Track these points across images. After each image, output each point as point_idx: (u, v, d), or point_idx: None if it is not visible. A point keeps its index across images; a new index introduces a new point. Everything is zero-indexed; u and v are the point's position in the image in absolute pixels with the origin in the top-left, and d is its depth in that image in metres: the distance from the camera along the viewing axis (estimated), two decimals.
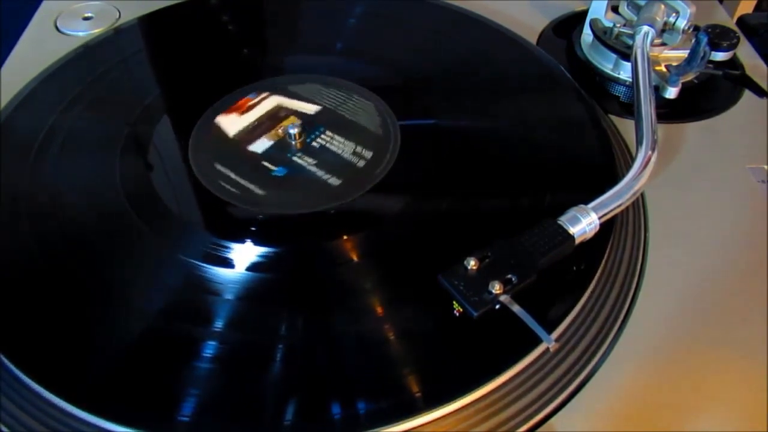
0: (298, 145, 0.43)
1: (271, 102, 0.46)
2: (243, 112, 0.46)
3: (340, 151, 0.42)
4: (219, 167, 0.42)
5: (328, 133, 0.44)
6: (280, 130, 0.44)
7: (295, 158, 0.42)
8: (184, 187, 0.41)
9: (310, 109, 0.46)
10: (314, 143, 0.43)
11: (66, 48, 0.52)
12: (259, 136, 0.44)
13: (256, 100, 0.47)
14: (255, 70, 0.50)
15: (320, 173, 0.41)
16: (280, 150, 0.43)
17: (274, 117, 0.45)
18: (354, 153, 0.42)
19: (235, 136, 0.44)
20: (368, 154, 0.42)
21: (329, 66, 0.49)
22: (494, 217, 0.39)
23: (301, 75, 0.49)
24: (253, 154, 0.43)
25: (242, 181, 0.41)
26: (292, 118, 0.45)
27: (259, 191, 0.40)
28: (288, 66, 0.51)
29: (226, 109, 0.46)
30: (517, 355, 0.32)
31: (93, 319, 0.34)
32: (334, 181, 0.41)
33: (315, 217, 0.39)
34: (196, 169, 0.42)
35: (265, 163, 0.42)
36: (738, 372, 0.33)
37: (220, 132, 0.44)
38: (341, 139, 0.43)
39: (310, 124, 0.44)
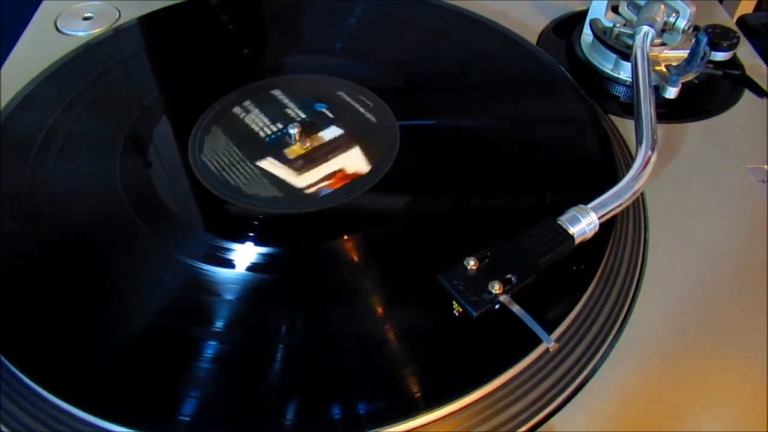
0: (299, 144, 0.43)
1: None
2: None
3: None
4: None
5: (328, 132, 0.44)
6: (282, 131, 0.44)
7: (296, 158, 0.42)
8: (184, 187, 0.41)
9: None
10: (315, 142, 0.43)
11: (66, 48, 0.52)
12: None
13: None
14: (255, 70, 0.50)
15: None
16: (276, 148, 0.43)
17: (273, 119, 0.45)
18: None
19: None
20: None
21: (329, 66, 0.49)
22: (494, 217, 0.39)
23: (300, 75, 0.49)
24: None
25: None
26: (291, 119, 0.45)
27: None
28: (288, 66, 0.51)
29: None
30: (517, 355, 0.32)
31: (93, 319, 0.34)
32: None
33: (315, 216, 0.39)
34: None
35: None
36: (738, 372, 0.33)
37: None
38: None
39: (312, 126, 0.44)
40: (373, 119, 0.45)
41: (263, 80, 0.48)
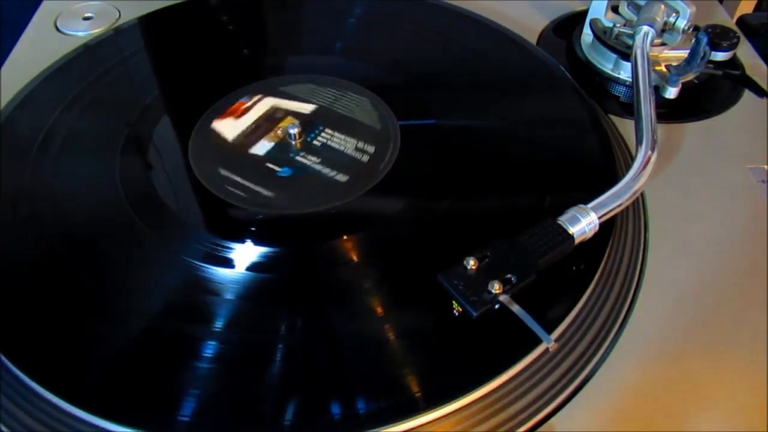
0: (299, 145, 0.43)
1: (265, 104, 0.46)
2: (239, 116, 0.46)
3: (342, 148, 0.42)
4: (223, 171, 0.42)
5: (328, 131, 0.44)
6: (279, 131, 0.44)
7: (298, 158, 0.42)
8: (184, 187, 0.41)
9: (306, 108, 0.46)
10: (315, 142, 0.43)
11: (66, 48, 0.52)
12: (258, 139, 0.44)
13: (249, 103, 0.46)
14: (255, 71, 0.50)
15: (326, 171, 0.41)
16: (281, 151, 0.43)
17: (271, 119, 0.45)
18: (356, 149, 0.42)
19: (234, 140, 0.44)
20: (371, 149, 0.42)
21: (329, 66, 0.49)
22: (494, 217, 0.39)
23: (292, 75, 0.49)
24: (256, 156, 0.43)
25: (248, 184, 0.41)
26: (289, 119, 0.45)
27: (267, 193, 0.40)
28: (288, 66, 0.51)
29: (222, 113, 0.46)
30: (516, 355, 0.32)
31: (93, 319, 0.34)
32: (342, 177, 0.41)
33: (315, 216, 0.39)
34: (196, 169, 0.42)
35: (269, 165, 0.42)
36: (738, 372, 0.33)
37: (218, 136, 0.44)
38: (342, 136, 0.43)
39: (308, 124, 0.44)
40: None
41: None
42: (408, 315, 0.34)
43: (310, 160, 0.42)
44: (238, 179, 0.41)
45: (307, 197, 0.40)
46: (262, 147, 0.43)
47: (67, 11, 0.57)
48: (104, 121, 0.45)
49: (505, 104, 0.46)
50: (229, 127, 0.45)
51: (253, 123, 0.45)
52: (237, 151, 0.43)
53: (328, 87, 0.47)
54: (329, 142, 0.43)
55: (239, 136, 0.44)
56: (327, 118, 0.45)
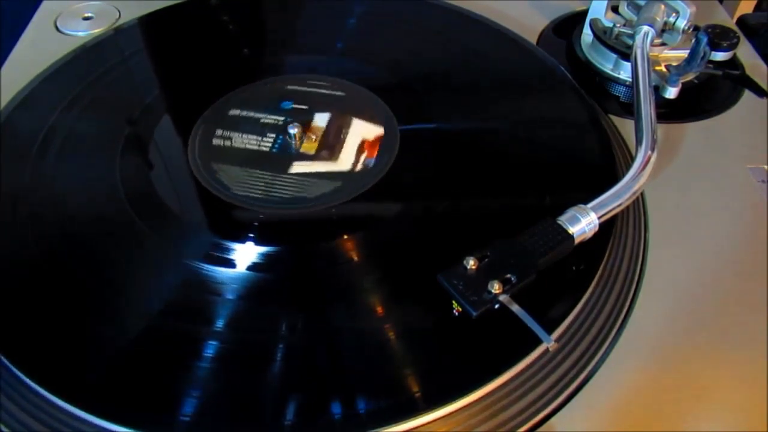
0: (299, 145, 0.43)
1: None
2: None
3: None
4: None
5: (328, 132, 0.44)
6: (280, 130, 0.44)
7: (296, 158, 0.42)
8: (185, 187, 0.41)
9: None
10: (314, 143, 0.43)
11: (66, 48, 0.52)
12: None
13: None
14: (255, 70, 0.50)
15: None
16: (281, 151, 0.43)
17: (274, 117, 0.45)
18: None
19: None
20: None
21: (329, 66, 0.49)
22: (494, 217, 0.39)
23: (302, 75, 0.49)
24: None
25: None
26: (292, 118, 0.45)
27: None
28: (288, 66, 0.51)
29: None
30: (517, 355, 0.32)
31: (93, 319, 0.34)
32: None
33: (315, 216, 0.39)
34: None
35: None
36: (738, 372, 0.33)
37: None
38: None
39: (309, 124, 0.44)
40: (373, 119, 0.45)
41: (264, 79, 0.48)
42: (408, 315, 0.34)
43: (307, 161, 0.42)
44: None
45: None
46: (261, 146, 0.43)
47: (67, 11, 0.57)
48: (104, 121, 0.45)
49: (505, 104, 0.46)
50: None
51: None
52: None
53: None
54: (328, 144, 0.43)
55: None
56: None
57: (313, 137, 0.43)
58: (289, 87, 0.47)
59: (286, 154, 0.43)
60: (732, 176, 0.43)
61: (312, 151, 0.43)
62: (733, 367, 0.33)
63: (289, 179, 0.41)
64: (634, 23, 0.47)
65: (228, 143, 0.43)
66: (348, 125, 0.44)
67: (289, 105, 0.45)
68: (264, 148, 0.43)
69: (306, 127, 0.44)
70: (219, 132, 0.44)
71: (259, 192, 0.40)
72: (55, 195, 0.41)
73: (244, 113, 0.45)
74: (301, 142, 0.43)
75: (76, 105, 0.46)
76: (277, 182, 0.41)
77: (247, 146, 0.43)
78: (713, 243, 0.39)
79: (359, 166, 0.41)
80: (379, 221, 0.39)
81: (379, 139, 0.41)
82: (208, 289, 0.35)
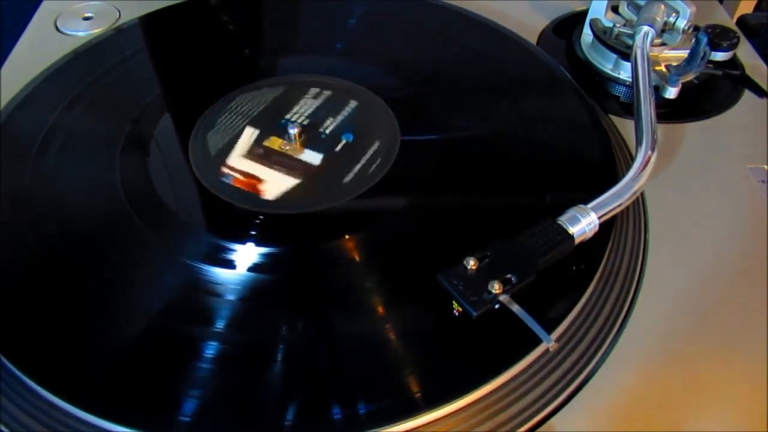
0: (298, 145, 0.43)
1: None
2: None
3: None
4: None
5: (328, 134, 0.44)
6: (280, 130, 0.44)
7: (294, 158, 0.42)
8: (184, 187, 0.41)
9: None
10: (313, 144, 0.43)
11: (66, 48, 0.52)
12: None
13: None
14: (255, 71, 0.50)
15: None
16: (279, 150, 0.43)
17: (276, 116, 0.45)
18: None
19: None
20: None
21: (329, 66, 0.49)
22: (494, 217, 0.39)
23: (303, 75, 0.49)
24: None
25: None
26: (294, 118, 0.45)
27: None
28: (288, 66, 0.51)
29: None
30: (517, 355, 0.32)
31: (93, 319, 0.34)
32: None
33: (315, 216, 0.39)
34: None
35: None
36: (738, 372, 0.33)
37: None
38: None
39: (310, 125, 0.44)
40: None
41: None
42: (408, 315, 0.34)
43: (305, 162, 0.42)
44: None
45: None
46: (260, 144, 0.43)
47: (67, 11, 0.57)
48: (104, 121, 0.45)
49: (505, 104, 0.46)
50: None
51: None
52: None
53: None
54: (327, 146, 0.43)
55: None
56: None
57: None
58: (290, 92, 0.47)
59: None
60: (732, 176, 0.43)
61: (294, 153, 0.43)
62: (733, 367, 0.33)
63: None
64: (634, 23, 0.47)
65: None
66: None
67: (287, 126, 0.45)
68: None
69: (308, 131, 0.44)
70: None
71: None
72: (55, 195, 0.41)
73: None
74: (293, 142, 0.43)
75: (76, 105, 0.46)
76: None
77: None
78: (713, 243, 0.39)
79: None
80: (378, 221, 0.39)
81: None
82: (208, 289, 0.35)
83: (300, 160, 0.42)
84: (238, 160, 0.42)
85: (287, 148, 0.43)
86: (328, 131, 0.44)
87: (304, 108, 0.46)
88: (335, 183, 0.41)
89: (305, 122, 0.44)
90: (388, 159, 0.42)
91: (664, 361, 0.33)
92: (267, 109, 0.46)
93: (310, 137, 0.43)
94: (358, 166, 0.41)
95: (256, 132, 0.44)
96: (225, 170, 0.41)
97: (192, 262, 0.36)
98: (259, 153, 0.43)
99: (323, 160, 0.42)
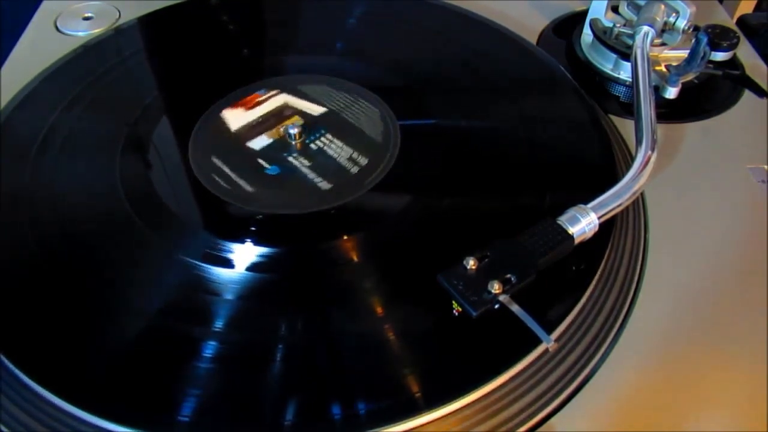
0: (298, 145, 0.43)
1: (278, 100, 0.46)
2: (249, 108, 0.46)
3: (336, 156, 0.42)
4: (215, 160, 0.42)
5: (328, 136, 0.44)
6: (281, 129, 0.44)
7: (290, 158, 0.42)
8: (184, 187, 0.41)
9: (315, 110, 0.46)
10: (312, 145, 0.43)
11: (66, 48, 0.52)
12: (259, 133, 0.44)
13: (264, 96, 0.47)
14: (255, 71, 0.50)
15: (312, 176, 0.41)
16: (277, 149, 0.43)
17: (279, 115, 0.45)
18: (350, 159, 0.42)
19: (237, 130, 0.44)
20: (364, 161, 0.42)
21: (329, 66, 0.49)
22: (494, 217, 0.39)
23: (311, 75, 0.49)
24: (251, 150, 0.43)
25: (234, 176, 0.41)
26: (296, 118, 0.45)
27: (248, 188, 0.40)
28: (288, 66, 0.51)
29: (234, 103, 0.46)
30: (516, 355, 0.32)
31: (93, 319, 0.34)
32: (325, 185, 0.40)
33: (315, 217, 0.39)
34: (196, 169, 0.42)
35: (260, 161, 0.42)
36: (738, 372, 0.33)
37: (223, 125, 0.45)
38: (340, 144, 0.43)
39: (311, 126, 0.44)
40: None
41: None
42: (408, 315, 0.34)
43: (301, 163, 0.42)
44: (226, 170, 0.41)
45: (285, 198, 0.40)
46: (259, 142, 0.43)
47: (67, 11, 0.57)
48: (104, 121, 0.45)
49: (505, 104, 0.46)
50: (236, 117, 0.45)
51: (260, 117, 0.45)
52: (235, 142, 0.43)
53: (342, 91, 0.47)
54: (326, 148, 0.43)
55: (243, 127, 0.44)
56: (331, 123, 0.45)
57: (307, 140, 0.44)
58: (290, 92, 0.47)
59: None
60: (732, 176, 0.43)
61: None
62: (733, 367, 0.33)
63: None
64: (634, 23, 0.47)
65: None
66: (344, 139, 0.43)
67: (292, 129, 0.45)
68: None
69: (309, 131, 0.44)
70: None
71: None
72: (55, 195, 0.41)
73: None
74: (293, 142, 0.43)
75: (76, 105, 0.46)
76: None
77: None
78: (713, 243, 0.39)
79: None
80: (378, 221, 0.39)
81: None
82: (208, 288, 0.35)
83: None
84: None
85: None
86: (327, 136, 0.44)
87: (313, 109, 0.46)
88: (349, 174, 0.41)
89: (309, 123, 0.44)
90: (381, 168, 0.42)
91: (664, 361, 0.33)
92: (278, 105, 0.46)
93: (309, 139, 0.43)
94: (357, 167, 0.41)
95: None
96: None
97: (192, 262, 0.36)
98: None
99: (312, 164, 0.42)
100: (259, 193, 0.40)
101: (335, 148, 0.43)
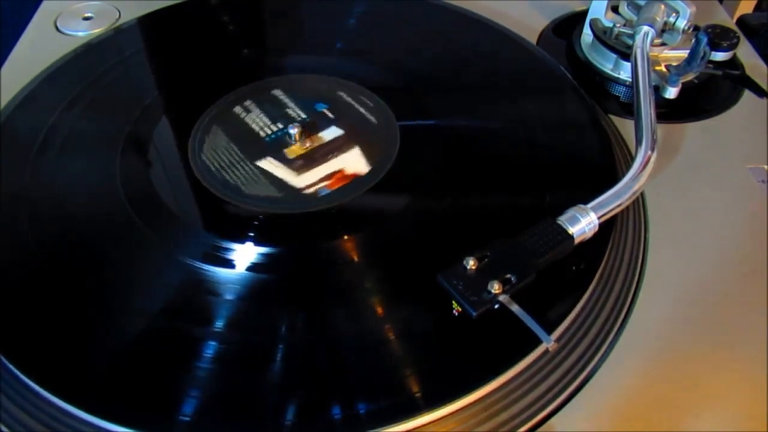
0: (299, 144, 0.43)
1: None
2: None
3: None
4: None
5: (328, 132, 0.44)
6: (282, 127, 0.44)
7: (296, 158, 0.42)
8: (184, 187, 0.41)
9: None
10: (315, 142, 0.43)
11: (66, 48, 0.52)
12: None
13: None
14: (255, 71, 0.50)
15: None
16: (276, 148, 0.43)
17: (282, 114, 0.45)
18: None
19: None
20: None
21: (329, 66, 0.49)
22: (494, 217, 0.39)
23: (301, 75, 0.49)
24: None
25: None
26: (293, 119, 0.45)
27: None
28: (288, 66, 0.51)
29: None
30: (517, 355, 0.32)
31: (93, 319, 0.34)
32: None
33: (315, 216, 0.39)
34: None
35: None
36: (738, 372, 0.33)
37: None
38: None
39: (312, 126, 0.44)
40: (374, 119, 0.45)
41: (264, 80, 0.48)
42: (408, 315, 0.34)
43: (296, 163, 0.42)
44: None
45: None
46: (261, 145, 0.44)
47: (67, 11, 0.57)
48: (104, 121, 0.45)
49: (505, 104, 0.46)
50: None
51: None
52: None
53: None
54: (323, 149, 0.43)
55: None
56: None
57: (308, 144, 0.43)
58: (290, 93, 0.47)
59: (271, 147, 0.43)
60: (732, 176, 0.43)
61: (292, 156, 0.42)
62: (733, 367, 0.33)
63: (247, 168, 0.42)
64: (634, 23, 0.47)
65: (243, 115, 0.45)
66: (343, 151, 0.43)
67: (322, 107, 0.45)
68: (262, 133, 0.44)
69: (309, 131, 0.44)
70: (247, 102, 0.46)
71: (215, 166, 0.41)
72: (55, 195, 0.41)
73: (282, 97, 0.46)
74: (293, 143, 0.43)
75: (76, 105, 0.46)
76: (238, 165, 0.42)
77: (252, 125, 0.44)
78: (713, 243, 0.39)
79: (310, 190, 0.40)
80: (378, 221, 0.39)
81: (353, 178, 0.41)
82: (208, 288, 0.35)
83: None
84: (304, 178, 0.41)
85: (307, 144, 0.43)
86: (327, 131, 0.44)
87: (304, 108, 0.46)
88: (276, 192, 0.40)
89: (305, 122, 0.44)
90: (386, 159, 0.42)
91: (664, 361, 0.33)
92: (268, 109, 0.46)
93: (310, 137, 0.44)
94: (308, 189, 0.41)
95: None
96: (309, 191, 0.40)
97: (192, 262, 0.36)
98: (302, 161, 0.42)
99: (291, 167, 0.42)
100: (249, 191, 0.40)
101: (333, 149, 0.43)
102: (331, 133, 0.44)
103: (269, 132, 0.44)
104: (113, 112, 0.46)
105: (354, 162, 0.42)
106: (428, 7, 0.55)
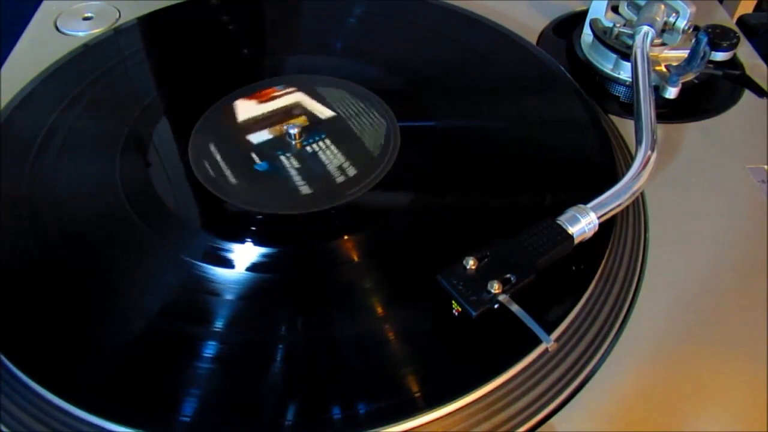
0: (297, 145, 0.43)
1: (292, 98, 0.47)
2: (263, 101, 0.46)
3: (327, 162, 0.42)
4: (212, 148, 0.42)
5: (327, 141, 0.44)
6: (283, 127, 0.44)
7: (282, 158, 0.42)
8: (184, 187, 0.41)
9: (324, 113, 0.46)
10: (308, 148, 0.43)
11: (66, 48, 0.52)
12: (262, 128, 0.44)
13: (281, 92, 0.47)
14: (255, 71, 0.50)
15: (297, 178, 0.41)
16: (274, 146, 0.43)
17: (287, 113, 0.45)
18: (339, 168, 0.42)
19: (242, 122, 0.44)
20: (352, 172, 0.41)
21: (329, 66, 0.49)
22: (494, 217, 0.39)
23: (330, 78, 0.48)
24: (248, 143, 0.43)
25: (222, 166, 0.41)
26: (302, 118, 0.45)
27: (232, 180, 0.41)
28: (288, 66, 0.51)
29: (250, 94, 0.47)
30: (516, 355, 0.32)
31: (93, 318, 0.34)
32: (306, 189, 0.40)
33: (315, 216, 0.39)
34: (196, 169, 0.42)
35: (253, 155, 0.42)
36: (738, 372, 0.33)
37: (231, 115, 0.45)
38: (335, 151, 0.43)
39: (313, 128, 0.44)
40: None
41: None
42: (408, 315, 0.34)
43: (291, 164, 0.42)
44: (218, 158, 0.42)
45: (264, 197, 0.40)
46: (259, 136, 0.44)
47: (67, 11, 0.57)
48: (104, 121, 0.45)
49: (505, 104, 0.46)
50: (246, 109, 0.45)
51: (269, 112, 0.45)
52: (237, 132, 0.44)
53: (357, 98, 0.47)
54: (320, 153, 0.43)
55: (249, 119, 0.45)
56: (334, 129, 0.44)
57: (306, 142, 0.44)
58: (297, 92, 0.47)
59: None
60: (732, 176, 0.43)
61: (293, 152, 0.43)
62: (733, 367, 0.33)
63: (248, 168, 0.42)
64: (634, 23, 0.47)
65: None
66: (345, 150, 0.43)
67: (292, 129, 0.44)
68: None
69: (309, 131, 0.44)
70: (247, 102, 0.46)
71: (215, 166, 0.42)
72: (55, 195, 0.41)
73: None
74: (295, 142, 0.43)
75: (76, 105, 0.46)
76: (238, 165, 0.42)
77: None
78: (713, 243, 0.39)
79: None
80: (378, 221, 0.39)
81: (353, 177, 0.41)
82: (208, 288, 0.35)
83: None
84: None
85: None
86: (326, 139, 0.44)
87: (322, 111, 0.46)
88: (333, 183, 0.41)
89: (311, 124, 0.44)
90: (386, 159, 0.42)
91: (664, 361, 0.33)
92: (290, 102, 0.46)
93: (307, 141, 0.43)
94: (344, 176, 0.41)
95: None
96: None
97: (192, 262, 0.36)
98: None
99: (301, 167, 0.42)
100: (240, 187, 0.40)
101: (329, 154, 0.43)
102: (331, 132, 0.44)
103: (269, 132, 0.44)
104: (113, 111, 0.46)
105: (354, 161, 0.42)
106: (428, 7, 0.55)
